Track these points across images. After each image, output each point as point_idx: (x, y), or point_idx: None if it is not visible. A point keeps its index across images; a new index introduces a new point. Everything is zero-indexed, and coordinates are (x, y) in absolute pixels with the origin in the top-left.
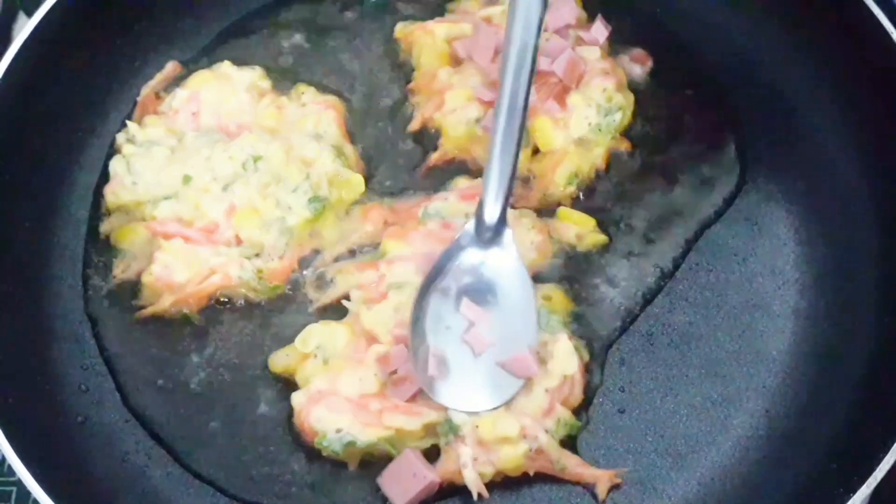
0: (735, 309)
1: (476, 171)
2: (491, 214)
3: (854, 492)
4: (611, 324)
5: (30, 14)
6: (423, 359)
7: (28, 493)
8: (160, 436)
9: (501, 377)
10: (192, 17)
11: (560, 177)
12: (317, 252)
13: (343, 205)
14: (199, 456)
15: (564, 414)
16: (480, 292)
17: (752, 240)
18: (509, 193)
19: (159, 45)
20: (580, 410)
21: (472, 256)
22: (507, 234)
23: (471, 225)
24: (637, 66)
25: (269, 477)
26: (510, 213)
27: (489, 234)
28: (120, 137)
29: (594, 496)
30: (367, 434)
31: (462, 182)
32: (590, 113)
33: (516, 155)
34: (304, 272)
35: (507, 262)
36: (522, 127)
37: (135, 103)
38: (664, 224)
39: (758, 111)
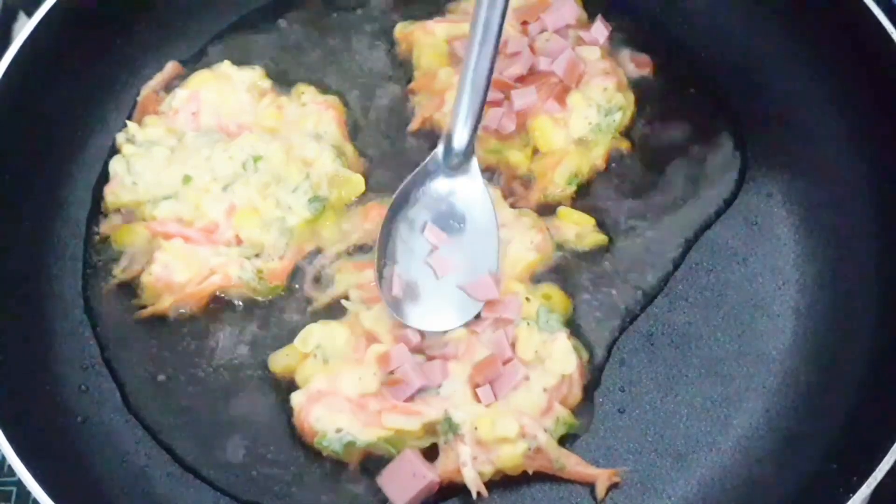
0: (735, 309)
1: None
2: (459, 140)
3: (854, 492)
4: (610, 324)
5: (30, 14)
6: (387, 280)
7: (28, 493)
8: (160, 436)
9: (462, 299)
10: (192, 17)
11: (560, 176)
12: (317, 252)
13: (343, 205)
14: (199, 456)
15: (563, 413)
16: (445, 217)
17: (752, 240)
18: (478, 120)
19: (159, 45)
20: (579, 410)
21: (438, 182)
22: (474, 161)
23: (439, 151)
24: (637, 68)
25: (269, 477)
26: (510, 212)
27: (456, 161)
28: (120, 137)
29: (594, 495)
30: (366, 434)
31: None
32: (590, 113)
33: (487, 80)
34: (304, 272)
35: (472, 190)
36: (495, 51)
37: (135, 103)
38: (664, 224)
39: (758, 111)
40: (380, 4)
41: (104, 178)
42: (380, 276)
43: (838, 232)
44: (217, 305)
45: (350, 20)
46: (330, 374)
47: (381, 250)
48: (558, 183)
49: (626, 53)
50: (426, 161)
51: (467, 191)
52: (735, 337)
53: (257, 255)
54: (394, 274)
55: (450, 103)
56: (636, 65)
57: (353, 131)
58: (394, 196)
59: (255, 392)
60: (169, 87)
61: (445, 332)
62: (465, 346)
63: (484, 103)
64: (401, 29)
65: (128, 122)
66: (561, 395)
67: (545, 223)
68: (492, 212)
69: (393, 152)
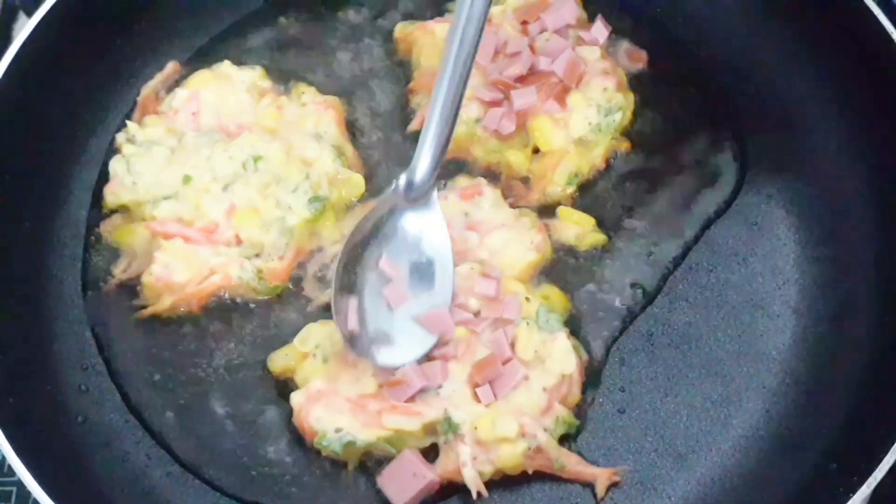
0: (735, 309)
1: (476, 171)
2: (422, 173)
3: (854, 492)
4: (610, 323)
5: (30, 14)
6: (343, 313)
7: (28, 493)
8: (160, 436)
9: (417, 332)
10: (193, 17)
11: (560, 177)
12: (317, 252)
13: (343, 205)
14: (199, 456)
15: (563, 412)
16: (400, 249)
17: (752, 240)
18: (443, 154)
19: (159, 45)
20: (579, 410)
21: (396, 214)
22: (433, 195)
23: (401, 182)
24: (632, 62)
25: (269, 477)
26: (510, 212)
27: (416, 194)
28: (120, 137)
29: (593, 495)
30: (366, 434)
31: (462, 181)
32: (590, 113)
33: (453, 120)
34: (304, 272)
35: (429, 222)
36: (462, 91)
37: (135, 103)
38: (664, 224)
39: (758, 111)
40: (380, 4)
41: (104, 177)
42: (336, 310)
43: (838, 232)
44: (217, 305)
45: (350, 20)
46: (329, 373)
47: (337, 283)
48: (558, 183)
49: (622, 48)
50: (386, 192)
51: (425, 223)
52: (735, 337)
53: (257, 255)
54: (348, 307)
55: None
56: (630, 59)
57: (353, 131)
58: (353, 228)
59: (254, 392)
60: (169, 87)
61: (396, 367)
62: (465, 346)
63: (448, 141)
64: (401, 29)
65: (128, 121)
66: (561, 394)
67: (545, 223)
68: (449, 245)
69: (393, 152)
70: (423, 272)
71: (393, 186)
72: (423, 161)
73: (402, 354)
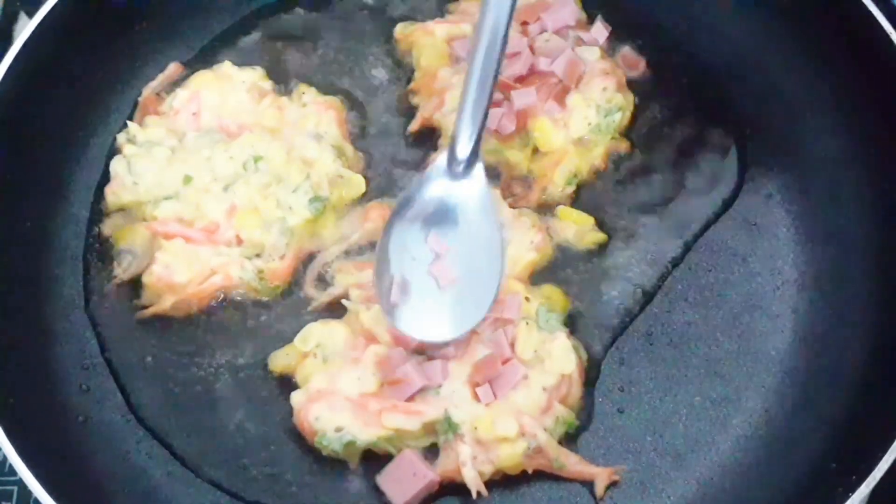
0: (734, 309)
1: None
2: (463, 149)
3: (853, 491)
4: (610, 323)
5: (31, 15)
6: (386, 287)
7: (29, 493)
8: (161, 435)
9: (462, 310)
10: (193, 18)
11: (559, 177)
12: (317, 252)
13: (343, 205)
14: (199, 455)
15: (563, 412)
16: (448, 225)
17: (752, 240)
18: (482, 128)
19: (160, 46)
20: (579, 409)
21: (442, 189)
22: (478, 167)
23: (443, 158)
24: (629, 68)
25: (269, 476)
26: (510, 212)
27: (460, 168)
28: (121, 138)
29: (593, 494)
30: (366, 433)
31: None
32: (589, 113)
33: (493, 84)
34: (304, 272)
35: (476, 196)
36: (501, 57)
37: (136, 104)
38: (663, 224)
39: (758, 111)
40: (380, 4)
41: (105, 178)
42: (379, 283)
43: (838, 232)
44: (218, 305)
45: (350, 20)
46: (329, 373)
47: (381, 257)
48: (558, 183)
49: (620, 54)
50: (430, 167)
51: (471, 197)
52: (734, 337)
53: (258, 256)
54: (393, 282)
55: (450, 103)
56: (628, 65)
57: (354, 131)
58: (396, 202)
59: (255, 391)
60: (170, 88)
61: (444, 343)
62: (465, 346)
63: (488, 109)
64: (401, 29)
65: (129, 122)
66: (560, 394)
67: (545, 222)
68: (497, 218)
69: (393, 152)
70: (470, 248)
71: (436, 160)
72: (464, 131)
73: (445, 331)
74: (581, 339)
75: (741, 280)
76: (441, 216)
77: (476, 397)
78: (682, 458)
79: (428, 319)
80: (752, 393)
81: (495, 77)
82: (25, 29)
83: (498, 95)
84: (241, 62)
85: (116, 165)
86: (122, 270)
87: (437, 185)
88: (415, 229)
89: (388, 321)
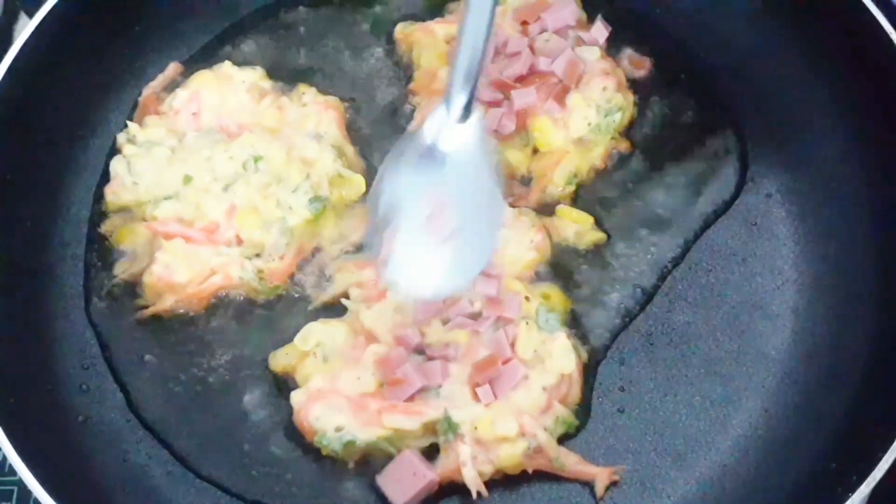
0: (734, 309)
1: None
2: (458, 102)
3: (853, 491)
4: (610, 323)
5: (31, 14)
6: (377, 243)
7: (29, 493)
8: (161, 435)
9: (459, 263)
10: (193, 18)
11: (559, 177)
12: (317, 251)
13: (343, 205)
14: (199, 455)
15: (563, 412)
16: (446, 177)
17: (752, 240)
18: (477, 78)
19: (160, 46)
20: (579, 409)
21: (438, 136)
22: (475, 118)
23: (440, 110)
24: (635, 68)
25: (269, 476)
26: (510, 212)
27: (458, 114)
28: (121, 138)
29: (593, 494)
30: (366, 433)
31: None
32: (589, 113)
33: (491, 21)
34: (305, 272)
35: (473, 144)
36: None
37: (136, 104)
38: (663, 224)
39: (758, 111)
40: (381, 4)
41: (105, 178)
42: (372, 236)
43: (838, 232)
44: (218, 305)
45: (350, 20)
46: (330, 372)
47: (373, 207)
48: (558, 183)
49: (624, 54)
50: (427, 119)
51: (468, 148)
52: (734, 337)
53: (258, 256)
54: (385, 236)
55: None
56: (633, 65)
57: (354, 131)
58: (386, 156)
59: (255, 391)
60: (170, 88)
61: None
62: (465, 346)
63: (484, 61)
64: (401, 29)
65: (128, 122)
66: (560, 394)
67: (544, 222)
68: (497, 169)
69: None
70: (468, 200)
71: (433, 114)
72: (458, 84)
73: (441, 287)
74: (581, 338)
75: (741, 280)
76: (438, 167)
77: (476, 397)
78: (682, 458)
79: (423, 273)
80: (751, 393)
81: (492, 11)
82: (25, 29)
83: (498, 95)
84: (241, 62)
85: (116, 165)
86: (122, 270)
87: (432, 132)
88: (411, 181)
89: (381, 276)
